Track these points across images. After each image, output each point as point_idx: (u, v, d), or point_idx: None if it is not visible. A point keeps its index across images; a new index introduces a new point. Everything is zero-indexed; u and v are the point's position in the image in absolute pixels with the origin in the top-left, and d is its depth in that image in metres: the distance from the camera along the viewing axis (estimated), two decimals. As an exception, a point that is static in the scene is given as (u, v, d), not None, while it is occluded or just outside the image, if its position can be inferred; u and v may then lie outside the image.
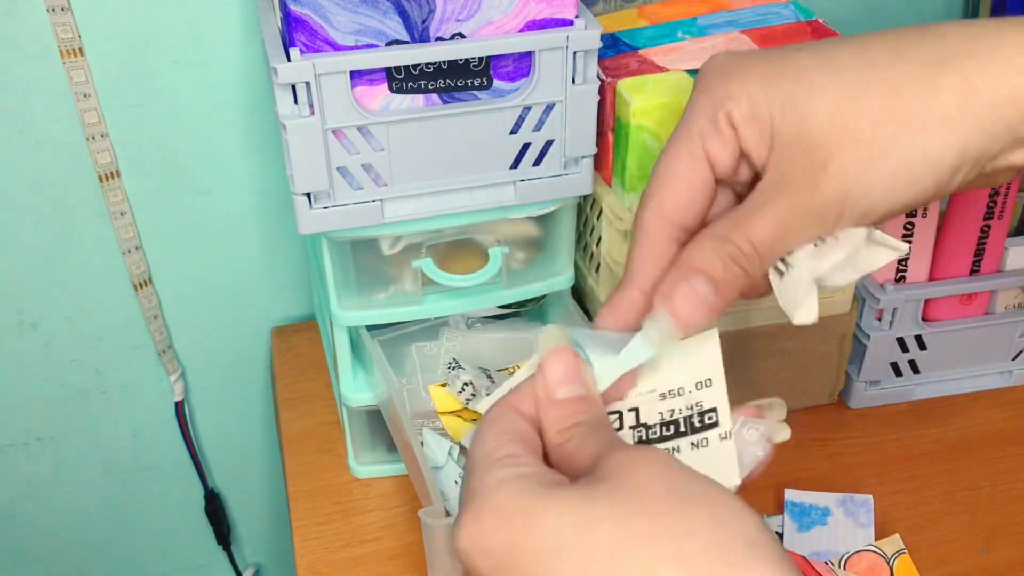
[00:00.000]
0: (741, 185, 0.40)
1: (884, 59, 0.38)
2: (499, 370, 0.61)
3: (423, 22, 0.50)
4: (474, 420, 0.58)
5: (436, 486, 0.53)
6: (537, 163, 0.56)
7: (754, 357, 0.67)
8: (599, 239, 0.62)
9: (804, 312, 0.40)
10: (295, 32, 0.49)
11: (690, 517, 0.33)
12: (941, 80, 0.37)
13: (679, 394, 0.43)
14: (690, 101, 0.39)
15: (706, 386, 0.44)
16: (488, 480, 0.34)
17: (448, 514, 0.53)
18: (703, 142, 0.38)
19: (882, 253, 0.40)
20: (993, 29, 0.38)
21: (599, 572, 0.31)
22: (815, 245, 0.39)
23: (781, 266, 0.40)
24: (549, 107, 0.54)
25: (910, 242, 0.65)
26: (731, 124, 0.38)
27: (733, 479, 0.46)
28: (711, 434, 0.44)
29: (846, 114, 0.37)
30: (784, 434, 0.48)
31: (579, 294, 0.68)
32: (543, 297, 0.65)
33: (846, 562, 0.59)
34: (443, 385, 0.60)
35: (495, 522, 0.32)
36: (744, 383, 0.67)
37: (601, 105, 0.56)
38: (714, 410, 0.45)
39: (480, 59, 0.52)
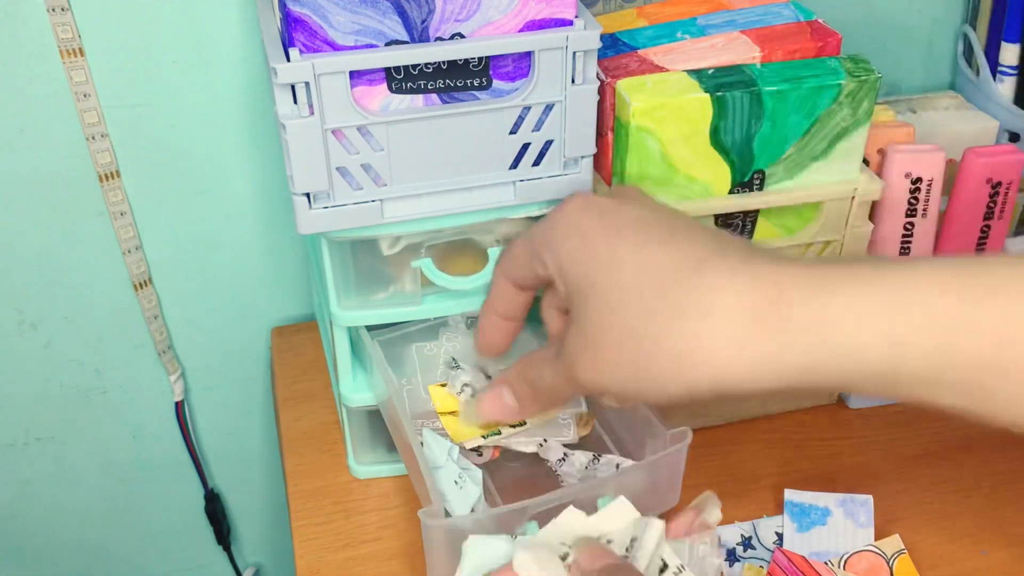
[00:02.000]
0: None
1: (659, 276, 0.43)
2: (499, 370, 0.61)
3: (423, 22, 0.50)
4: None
5: (436, 486, 0.53)
6: (537, 163, 0.56)
7: (754, 357, 0.67)
8: (599, 239, 0.62)
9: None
10: (295, 32, 0.49)
11: None
12: (678, 326, 0.42)
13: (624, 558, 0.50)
14: (540, 225, 0.49)
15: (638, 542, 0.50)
16: None
17: (448, 514, 0.53)
18: (527, 256, 0.50)
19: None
20: (732, 288, 0.42)
21: None
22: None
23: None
24: (549, 107, 0.54)
25: (910, 243, 0.65)
26: (546, 262, 0.48)
27: None
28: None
29: (607, 316, 0.44)
30: (716, 514, 0.55)
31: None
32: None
33: (846, 562, 0.59)
34: (443, 385, 0.60)
35: None
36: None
37: (601, 105, 0.56)
38: (659, 557, 0.50)
39: (479, 59, 0.52)
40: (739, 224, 0.60)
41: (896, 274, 0.40)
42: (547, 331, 0.54)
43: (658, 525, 0.49)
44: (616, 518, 0.50)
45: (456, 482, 0.55)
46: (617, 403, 0.53)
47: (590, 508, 0.51)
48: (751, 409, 0.69)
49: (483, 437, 0.57)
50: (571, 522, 0.49)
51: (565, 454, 0.58)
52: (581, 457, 0.58)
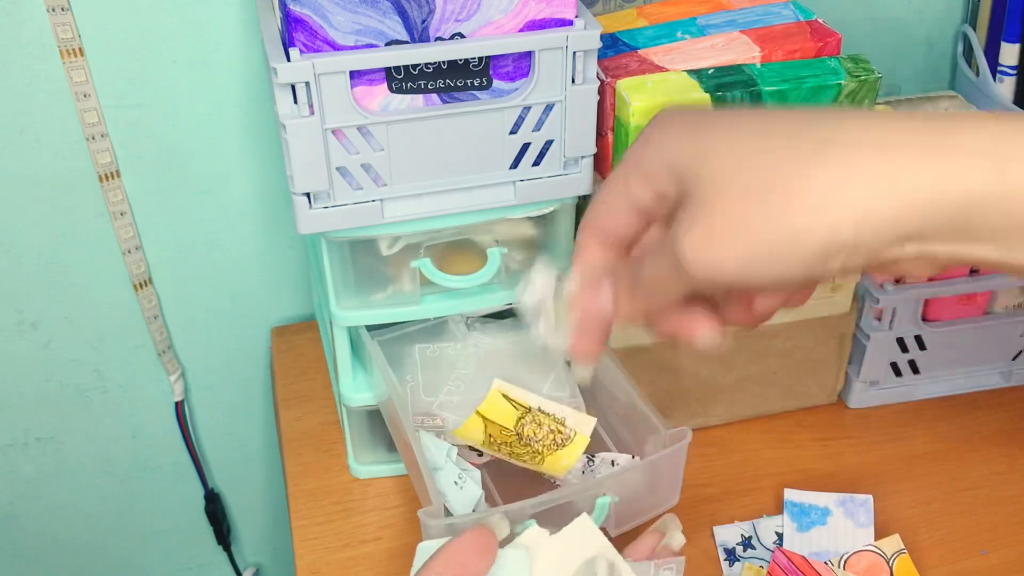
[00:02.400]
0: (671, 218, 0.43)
1: (781, 129, 0.38)
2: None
3: (423, 22, 0.50)
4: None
5: (436, 486, 0.53)
6: (537, 163, 0.56)
7: (755, 357, 0.67)
8: (599, 239, 0.62)
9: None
10: (295, 32, 0.49)
11: None
12: (820, 162, 0.36)
13: None
14: (631, 145, 0.43)
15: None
16: None
17: (448, 513, 0.53)
18: (627, 181, 0.43)
19: None
20: (892, 121, 0.37)
21: None
22: None
23: None
24: (549, 107, 0.54)
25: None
26: (651, 170, 0.42)
27: None
28: None
29: (726, 177, 0.38)
30: (680, 538, 0.53)
31: (579, 294, 0.68)
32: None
33: (846, 562, 0.59)
34: (505, 396, 0.60)
35: None
36: (745, 383, 0.68)
37: (601, 105, 0.56)
38: None
39: (480, 59, 0.52)
40: (739, 224, 0.60)
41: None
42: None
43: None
44: (578, 537, 0.49)
45: (456, 482, 0.55)
46: (726, 295, 0.44)
47: (590, 508, 0.51)
48: (751, 409, 0.69)
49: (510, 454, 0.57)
50: (534, 541, 0.48)
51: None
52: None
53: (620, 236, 0.44)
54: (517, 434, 0.58)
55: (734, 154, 0.38)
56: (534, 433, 0.58)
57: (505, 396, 0.60)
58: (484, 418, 0.59)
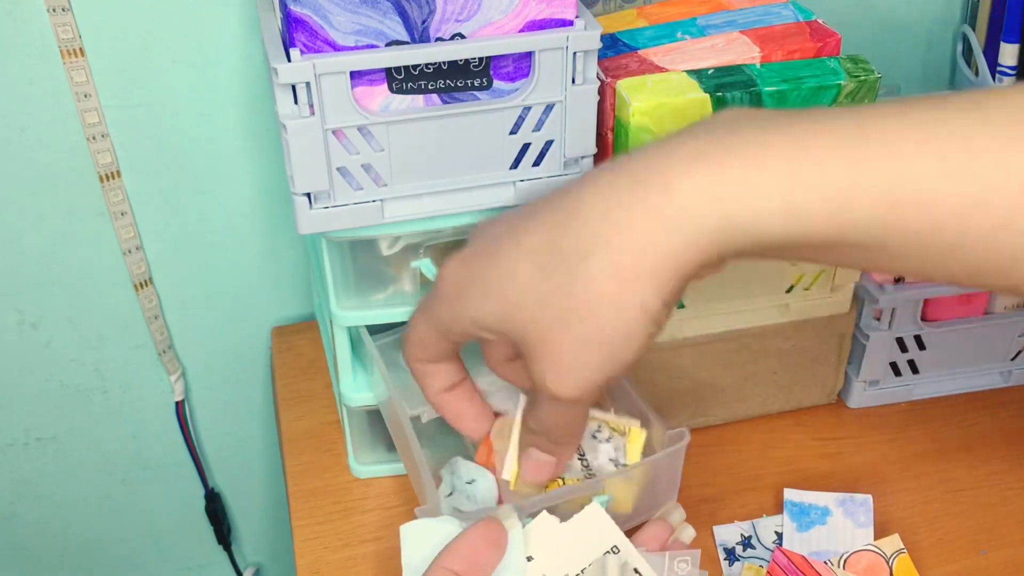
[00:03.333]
0: None
1: (536, 271, 0.42)
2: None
3: (423, 22, 0.50)
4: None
5: (435, 487, 0.53)
6: (537, 163, 0.56)
7: (754, 357, 0.67)
8: (599, 239, 0.62)
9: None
10: (295, 32, 0.49)
11: None
12: (580, 279, 0.40)
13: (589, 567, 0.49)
14: (428, 299, 0.47)
15: (614, 552, 0.49)
16: None
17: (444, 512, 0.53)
18: (435, 335, 0.48)
19: None
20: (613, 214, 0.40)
21: None
22: None
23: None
24: (549, 107, 0.54)
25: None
26: (460, 330, 0.46)
27: None
28: None
29: (536, 326, 0.42)
30: (690, 532, 0.53)
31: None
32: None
33: (845, 562, 0.59)
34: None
35: None
36: (744, 383, 0.68)
37: (601, 105, 0.56)
38: (635, 570, 0.49)
39: (480, 59, 0.52)
40: (739, 224, 0.60)
41: (786, 135, 0.37)
42: (517, 387, 0.52)
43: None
44: (589, 525, 0.49)
45: (469, 482, 0.55)
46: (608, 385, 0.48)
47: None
48: (751, 409, 0.69)
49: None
50: (544, 528, 0.48)
51: None
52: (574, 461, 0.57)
53: (441, 355, 0.49)
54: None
55: (526, 305, 0.42)
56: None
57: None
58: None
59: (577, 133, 0.55)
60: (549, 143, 0.55)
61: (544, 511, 0.48)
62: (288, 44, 0.50)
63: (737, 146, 0.38)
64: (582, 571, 0.48)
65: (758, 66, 0.58)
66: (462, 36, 0.51)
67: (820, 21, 0.61)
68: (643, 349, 0.41)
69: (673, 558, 0.50)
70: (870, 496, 0.62)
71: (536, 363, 0.43)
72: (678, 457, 0.56)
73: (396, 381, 0.57)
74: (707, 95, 0.55)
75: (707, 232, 0.38)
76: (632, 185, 0.39)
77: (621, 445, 0.55)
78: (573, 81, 0.53)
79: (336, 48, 0.50)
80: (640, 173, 0.39)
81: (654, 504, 0.57)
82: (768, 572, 0.59)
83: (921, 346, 0.69)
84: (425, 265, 0.57)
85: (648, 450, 0.57)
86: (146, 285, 0.78)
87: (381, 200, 0.54)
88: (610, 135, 0.58)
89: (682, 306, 0.62)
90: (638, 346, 0.41)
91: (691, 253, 0.38)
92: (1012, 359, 0.72)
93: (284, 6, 0.49)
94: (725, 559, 0.60)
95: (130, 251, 0.76)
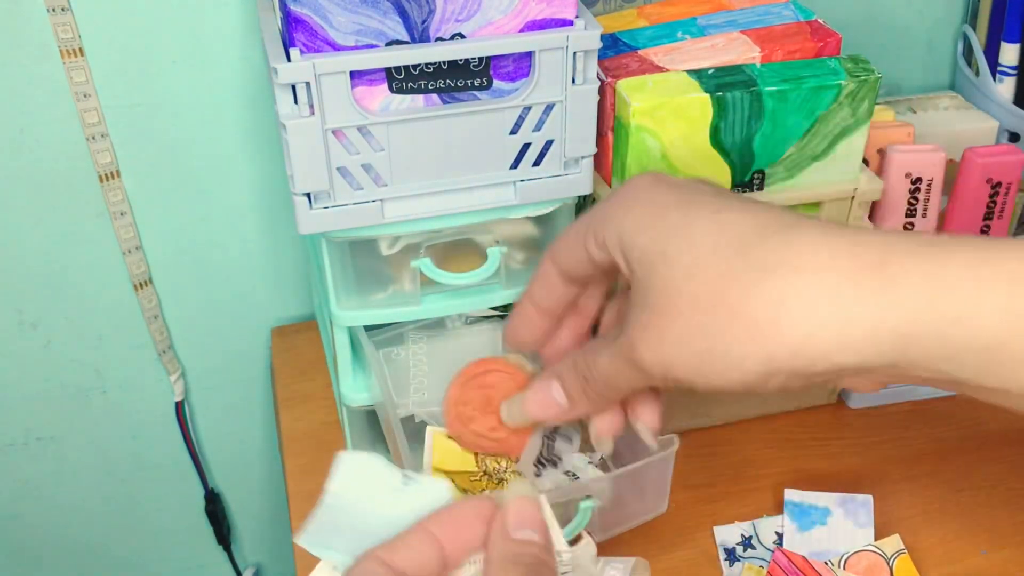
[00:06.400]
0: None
1: (732, 238, 0.39)
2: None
3: (423, 22, 0.50)
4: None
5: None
6: (537, 163, 0.56)
7: (754, 357, 0.67)
8: (599, 239, 0.62)
9: None
10: (295, 32, 0.49)
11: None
12: (763, 289, 0.37)
13: None
14: (603, 200, 0.44)
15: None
16: None
17: None
18: (587, 233, 0.44)
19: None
20: (844, 243, 0.37)
21: None
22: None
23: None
24: (549, 107, 0.54)
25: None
26: (606, 241, 0.43)
27: None
28: None
29: (677, 285, 0.39)
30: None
31: (579, 294, 0.68)
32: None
33: (846, 562, 0.59)
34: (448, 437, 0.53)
35: None
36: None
37: (601, 105, 0.56)
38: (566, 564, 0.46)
39: (480, 59, 0.52)
40: (739, 224, 0.60)
41: (1014, 247, 0.36)
42: (600, 328, 0.49)
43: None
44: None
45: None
46: (675, 389, 0.45)
47: (573, 512, 0.50)
48: (751, 409, 0.69)
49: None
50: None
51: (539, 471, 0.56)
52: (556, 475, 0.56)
53: (572, 274, 0.46)
54: (484, 472, 0.53)
55: (684, 261, 0.39)
56: (499, 463, 0.53)
57: (449, 437, 0.53)
58: (444, 471, 0.52)
59: (577, 133, 0.55)
60: (549, 143, 0.55)
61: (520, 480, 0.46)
62: (288, 44, 0.50)
63: (962, 245, 0.37)
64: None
65: (758, 66, 0.58)
66: (462, 36, 0.51)
67: (820, 21, 0.61)
68: (718, 391, 0.39)
69: (607, 563, 0.49)
70: (871, 496, 0.62)
71: (643, 311, 0.40)
72: (667, 464, 0.55)
73: (390, 383, 0.57)
74: (707, 95, 0.55)
75: (913, 319, 0.36)
76: (857, 250, 0.37)
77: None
78: (573, 81, 0.53)
79: (336, 48, 0.50)
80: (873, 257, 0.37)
81: (643, 510, 0.57)
82: (768, 572, 0.59)
83: (921, 346, 0.69)
84: (425, 264, 0.57)
85: (640, 455, 0.56)
86: (146, 285, 0.78)
87: (381, 200, 0.54)
88: (610, 135, 0.58)
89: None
90: (734, 375, 0.38)
91: (857, 355, 0.36)
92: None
93: (284, 6, 0.49)
94: (725, 559, 0.60)
95: (130, 251, 0.76)
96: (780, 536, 0.61)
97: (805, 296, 0.36)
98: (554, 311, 0.48)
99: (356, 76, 0.50)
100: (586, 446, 0.52)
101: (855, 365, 0.36)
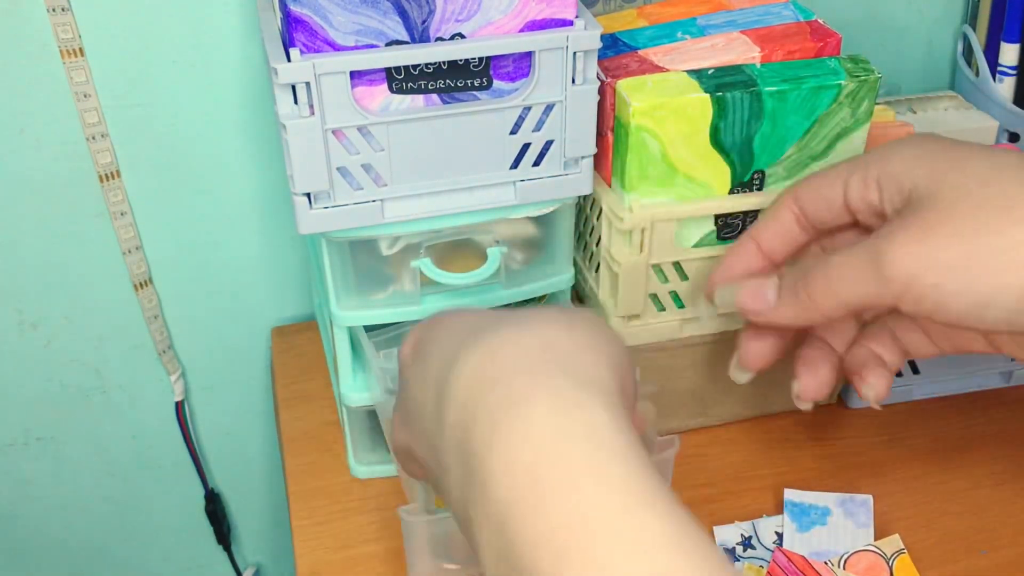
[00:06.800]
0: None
1: (1011, 162, 0.40)
2: None
3: (423, 22, 0.50)
4: None
5: (419, 488, 0.53)
6: (537, 163, 0.56)
7: (754, 357, 0.67)
8: (599, 239, 0.62)
9: None
10: (295, 32, 0.49)
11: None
12: None
13: None
14: (865, 153, 0.47)
15: None
16: None
17: (428, 513, 0.52)
18: (850, 175, 0.45)
19: None
20: None
21: None
22: None
23: None
24: (549, 107, 0.54)
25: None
26: (875, 176, 0.44)
27: None
28: None
29: (959, 195, 0.40)
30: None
31: (579, 294, 0.68)
32: (543, 297, 0.65)
33: (846, 562, 0.59)
34: None
35: None
36: (744, 383, 0.68)
37: (601, 105, 0.56)
38: None
39: (480, 59, 0.52)
40: (739, 224, 0.60)
41: None
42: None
43: None
44: None
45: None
46: (916, 314, 0.43)
47: None
48: (751, 409, 0.69)
49: None
50: None
51: None
52: None
53: (813, 216, 0.46)
54: None
55: (967, 180, 0.40)
56: None
57: None
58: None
59: (577, 133, 0.55)
60: (549, 143, 0.55)
61: None
62: (288, 44, 0.50)
63: None
64: None
65: (758, 66, 0.58)
66: (462, 36, 0.51)
67: (820, 21, 0.61)
68: (979, 320, 0.40)
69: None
70: (870, 496, 0.62)
71: (906, 227, 0.40)
72: (667, 465, 0.55)
73: (388, 383, 0.57)
74: (707, 95, 0.55)
75: None
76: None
77: None
78: (573, 81, 0.53)
79: (336, 48, 0.50)
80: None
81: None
82: (768, 572, 0.59)
83: (921, 346, 0.69)
84: (425, 264, 0.57)
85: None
86: (146, 285, 0.78)
87: (381, 200, 0.54)
88: (610, 135, 0.58)
89: (682, 306, 0.62)
90: (990, 301, 0.39)
91: None
92: (1013, 359, 0.71)
93: (284, 6, 0.49)
94: (725, 559, 0.60)
95: (130, 251, 0.76)
96: (780, 536, 0.61)
97: None
98: (776, 254, 0.48)
99: (356, 76, 0.50)
100: None
101: None
